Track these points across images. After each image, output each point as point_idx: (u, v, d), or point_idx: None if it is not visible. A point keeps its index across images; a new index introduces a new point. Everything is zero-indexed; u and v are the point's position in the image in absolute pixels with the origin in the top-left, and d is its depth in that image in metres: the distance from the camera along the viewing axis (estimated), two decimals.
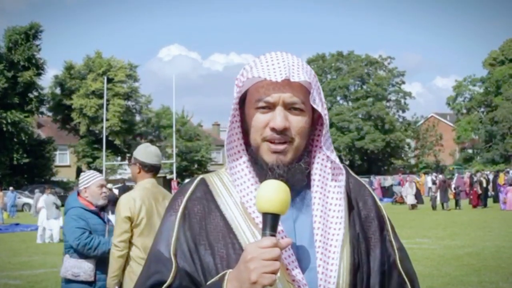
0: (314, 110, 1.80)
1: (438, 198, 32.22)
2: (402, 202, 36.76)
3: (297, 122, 1.74)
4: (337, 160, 1.79)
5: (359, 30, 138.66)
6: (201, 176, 1.90)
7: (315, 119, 1.83)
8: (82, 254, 5.40)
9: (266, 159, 1.74)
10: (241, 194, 1.76)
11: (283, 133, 1.72)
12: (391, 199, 40.02)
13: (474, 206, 32.13)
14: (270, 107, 1.73)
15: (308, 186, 1.81)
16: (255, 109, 1.75)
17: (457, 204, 32.23)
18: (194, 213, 1.79)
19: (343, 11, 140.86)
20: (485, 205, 32.39)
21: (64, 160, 63.39)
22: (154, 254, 1.80)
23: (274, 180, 1.64)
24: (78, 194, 5.67)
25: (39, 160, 52.27)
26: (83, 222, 5.45)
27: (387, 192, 43.79)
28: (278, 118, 1.71)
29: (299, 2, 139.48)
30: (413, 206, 32.92)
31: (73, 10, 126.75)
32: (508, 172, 41.27)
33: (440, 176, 40.45)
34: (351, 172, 1.92)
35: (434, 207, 32.06)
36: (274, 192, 1.59)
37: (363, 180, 1.96)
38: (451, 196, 32.55)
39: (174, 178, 42.95)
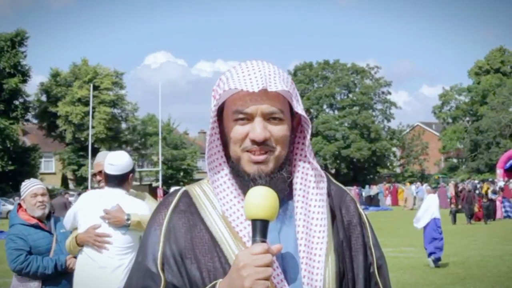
0: (292, 118, 1.79)
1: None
2: None
3: (277, 132, 1.72)
4: (319, 168, 1.78)
5: (348, 39, 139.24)
6: (184, 188, 1.89)
7: (294, 127, 1.81)
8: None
9: (247, 170, 1.72)
10: (224, 207, 1.74)
11: (263, 144, 1.70)
12: (376, 208, 40.18)
13: (479, 220, 27.51)
14: (249, 118, 1.71)
15: (290, 195, 1.79)
16: (233, 121, 1.73)
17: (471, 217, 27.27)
18: (179, 226, 1.77)
19: (332, 20, 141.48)
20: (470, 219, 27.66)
21: (49, 167, 62.95)
22: (140, 268, 1.77)
23: (262, 186, 1.62)
24: (20, 206, 5.17)
25: (24, 168, 51.81)
26: (21, 242, 4.95)
27: (372, 201, 43.90)
28: (257, 129, 1.69)
29: (286, 10, 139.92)
30: None
31: (59, 17, 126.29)
32: (493, 182, 41.48)
33: (465, 184, 37.24)
34: (332, 179, 1.91)
35: (454, 222, 26.56)
36: (263, 198, 1.58)
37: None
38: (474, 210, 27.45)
39: (160, 186, 42.88)
